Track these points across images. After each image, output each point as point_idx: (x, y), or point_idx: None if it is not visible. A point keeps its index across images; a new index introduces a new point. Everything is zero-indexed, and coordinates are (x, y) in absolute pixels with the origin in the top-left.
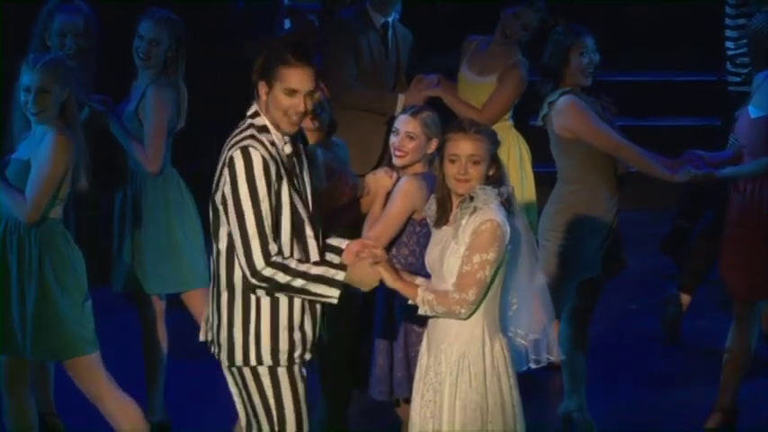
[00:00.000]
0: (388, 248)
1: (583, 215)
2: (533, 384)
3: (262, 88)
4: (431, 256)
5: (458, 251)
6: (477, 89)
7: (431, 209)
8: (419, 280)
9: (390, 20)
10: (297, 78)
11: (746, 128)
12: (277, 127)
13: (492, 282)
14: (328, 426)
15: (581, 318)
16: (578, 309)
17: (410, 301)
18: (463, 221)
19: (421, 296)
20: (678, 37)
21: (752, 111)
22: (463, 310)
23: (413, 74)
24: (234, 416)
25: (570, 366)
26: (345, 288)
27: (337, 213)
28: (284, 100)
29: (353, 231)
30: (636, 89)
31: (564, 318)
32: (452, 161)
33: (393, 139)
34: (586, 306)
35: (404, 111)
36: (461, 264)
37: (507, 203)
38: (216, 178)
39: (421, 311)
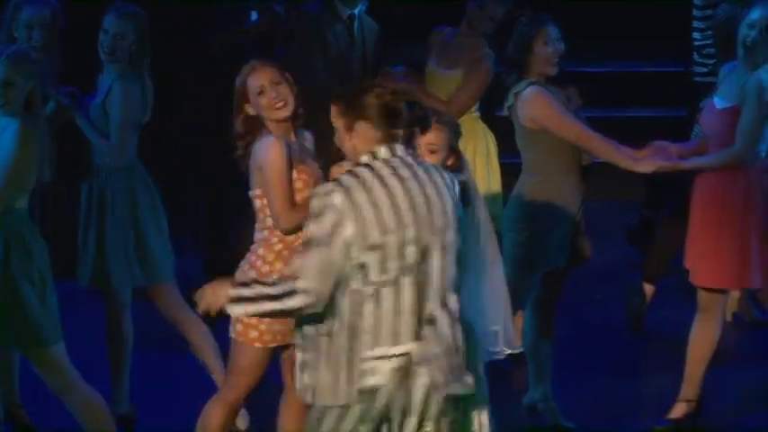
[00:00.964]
0: None
1: (547, 206)
2: (498, 374)
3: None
4: None
5: None
6: (445, 81)
7: None
8: None
9: (357, 12)
10: None
11: (712, 119)
12: None
13: None
14: (293, 419)
15: (545, 308)
16: (542, 299)
17: None
18: None
19: None
20: (645, 28)
21: (717, 102)
22: None
23: (380, 65)
24: (199, 408)
25: (535, 356)
26: None
27: (301, 205)
28: None
29: None
30: (603, 80)
31: (528, 308)
32: None
33: None
34: (550, 296)
35: None
36: None
37: (462, 193)
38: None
39: None
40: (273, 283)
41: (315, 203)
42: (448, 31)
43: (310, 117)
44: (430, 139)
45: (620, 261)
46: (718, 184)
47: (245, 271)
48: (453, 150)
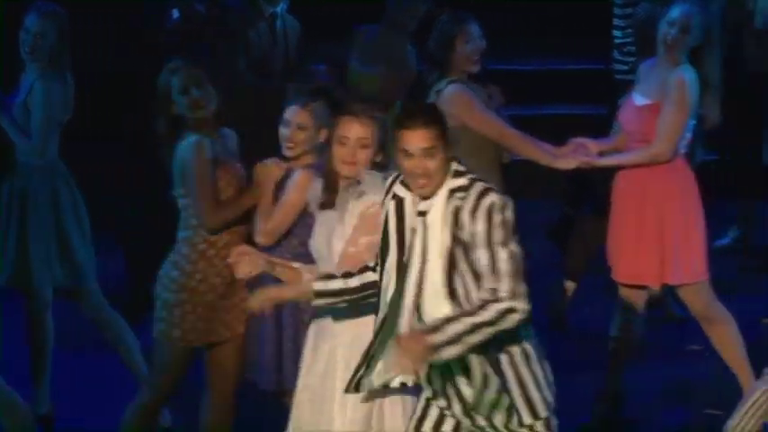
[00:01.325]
0: (279, 240)
1: None
2: None
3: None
4: (317, 241)
5: (344, 235)
6: (366, 79)
7: (316, 189)
8: (296, 265)
9: (279, 10)
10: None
11: (631, 115)
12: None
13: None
14: (216, 418)
15: None
16: None
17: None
18: (349, 205)
19: (313, 289)
20: (566, 25)
21: (637, 98)
22: None
23: (302, 64)
24: (121, 408)
25: None
26: None
27: (225, 204)
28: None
29: (242, 222)
30: (524, 77)
31: None
32: (342, 143)
33: (283, 131)
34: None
35: (293, 101)
36: (347, 245)
37: None
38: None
39: (315, 303)
40: (473, 312)
41: (503, 212)
42: (369, 30)
43: (233, 116)
44: (361, 134)
45: (543, 259)
46: (637, 181)
47: (168, 270)
48: (382, 147)
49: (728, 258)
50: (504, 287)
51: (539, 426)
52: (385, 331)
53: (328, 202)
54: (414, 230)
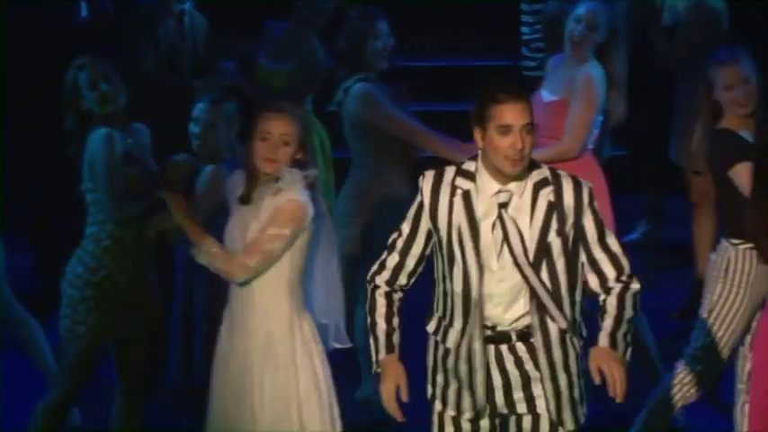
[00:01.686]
0: None
1: (377, 200)
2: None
3: (477, 134)
4: (231, 235)
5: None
6: (275, 76)
7: (233, 183)
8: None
9: (186, 7)
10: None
11: (539, 112)
12: (497, 172)
13: (282, 257)
14: (125, 416)
15: None
16: None
17: (192, 251)
18: (266, 201)
19: (207, 246)
20: (474, 22)
21: (544, 95)
22: (242, 275)
23: (210, 61)
24: (31, 406)
25: (368, 351)
26: None
27: (137, 199)
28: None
29: (150, 218)
30: (432, 74)
31: (361, 303)
32: (264, 139)
33: (193, 128)
34: None
35: (203, 99)
36: (257, 233)
37: (311, 187)
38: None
39: (198, 259)
40: (619, 307)
41: (596, 196)
42: (278, 26)
43: (142, 112)
44: (283, 130)
45: None
46: None
47: (73, 266)
48: (303, 145)
49: (638, 253)
50: (626, 270)
51: (576, 424)
52: (464, 346)
53: (246, 198)
54: (497, 222)
